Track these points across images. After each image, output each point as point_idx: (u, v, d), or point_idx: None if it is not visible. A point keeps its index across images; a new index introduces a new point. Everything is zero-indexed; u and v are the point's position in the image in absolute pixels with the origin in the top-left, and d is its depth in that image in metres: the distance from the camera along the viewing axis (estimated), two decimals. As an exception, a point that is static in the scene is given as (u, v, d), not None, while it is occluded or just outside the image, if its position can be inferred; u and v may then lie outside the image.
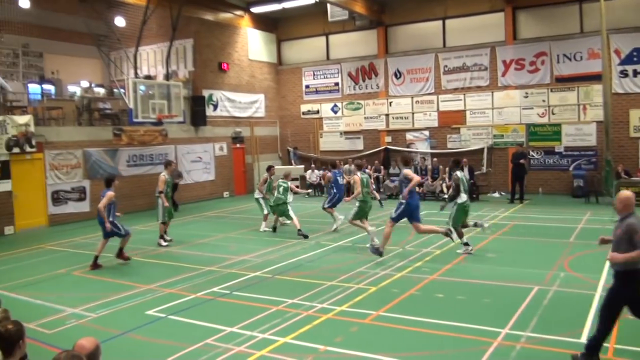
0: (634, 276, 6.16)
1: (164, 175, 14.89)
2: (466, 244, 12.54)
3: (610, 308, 6.32)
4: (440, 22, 25.05)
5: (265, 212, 16.57)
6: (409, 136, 25.78)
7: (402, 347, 7.23)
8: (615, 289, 6.32)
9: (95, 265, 12.52)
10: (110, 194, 12.63)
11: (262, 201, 16.72)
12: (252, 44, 27.78)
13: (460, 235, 12.62)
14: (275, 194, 15.93)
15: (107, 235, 12.74)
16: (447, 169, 22.58)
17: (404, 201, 12.23)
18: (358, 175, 14.18)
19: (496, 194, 23.00)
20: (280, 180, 16.14)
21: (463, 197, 12.64)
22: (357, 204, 14.00)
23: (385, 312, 8.57)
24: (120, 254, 12.95)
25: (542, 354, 6.86)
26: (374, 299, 9.29)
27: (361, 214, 13.97)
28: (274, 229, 16.27)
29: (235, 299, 9.59)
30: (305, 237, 14.92)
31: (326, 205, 16.40)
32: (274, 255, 13.08)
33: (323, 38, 28.26)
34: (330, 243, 14.19)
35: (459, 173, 12.90)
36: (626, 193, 6.49)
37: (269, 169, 17.06)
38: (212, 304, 9.40)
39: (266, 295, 9.66)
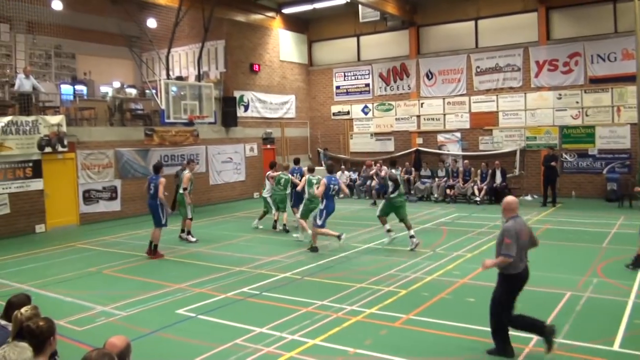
0: (507, 279, 6.95)
1: (188, 173, 15.27)
2: (389, 231, 14.09)
3: (500, 305, 7.03)
4: (473, 22, 24.84)
5: (274, 211, 16.90)
6: (440, 138, 25.61)
7: (432, 351, 7.20)
8: (495, 289, 7.17)
9: (156, 254, 13.43)
10: (163, 180, 13.56)
11: (269, 200, 17.00)
12: (283, 45, 27.89)
13: (384, 223, 14.13)
14: (273, 186, 16.30)
15: (160, 224, 13.64)
16: (478, 171, 22.45)
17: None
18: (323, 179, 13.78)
19: (528, 197, 22.70)
20: (281, 172, 16.50)
21: (394, 193, 13.80)
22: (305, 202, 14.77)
23: (415, 315, 8.54)
24: (153, 249, 13.61)
25: (573, 360, 6.78)
26: (404, 302, 9.26)
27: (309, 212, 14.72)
28: (285, 228, 16.50)
29: (265, 300, 9.64)
30: (287, 231, 15.99)
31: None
32: (304, 256, 13.11)
33: (354, 39, 28.24)
34: (360, 245, 14.17)
35: (394, 171, 14.68)
36: (509, 197, 7.13)
37: (273, 166, 17.34)
38: (241, 304, 9.46)
39: (296, 297, 9.69)
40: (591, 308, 8.71)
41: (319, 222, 13.53)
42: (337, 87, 28.71)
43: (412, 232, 13.54)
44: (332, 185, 13.46)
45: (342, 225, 16.86)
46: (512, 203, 7.00)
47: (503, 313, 6.97)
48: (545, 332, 6.81)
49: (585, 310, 8.62)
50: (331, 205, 13.62)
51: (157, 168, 14.15)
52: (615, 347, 7.13)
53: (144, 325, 8.43)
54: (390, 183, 13.78)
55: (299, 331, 7.95)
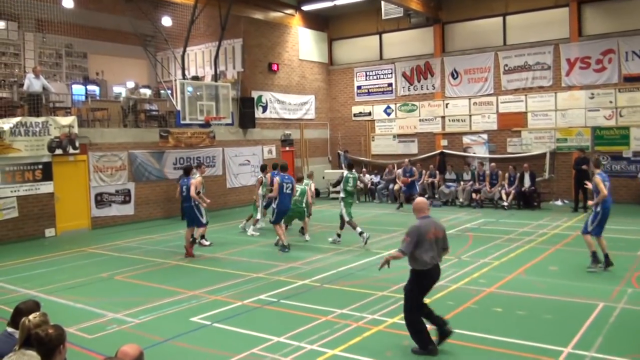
0: (414, 274, 7.53)
1: (199, 176, 15.26)
2: (361, 233, 14.88)
3: (411, 300, 7.54)
4: (501, 18, 24.70)
5: (258, 216, 17.30)
6: (466, 139, 25.48)
7: (457, 363, 7.14)
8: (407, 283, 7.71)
9: (191, 253, 14.12)
10: (194, 181, 14.34)
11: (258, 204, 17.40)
12: (303, 44, 27.96)
13: (354, 227, 15.09)
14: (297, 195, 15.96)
15: (201, 224, 14.44)
16: (506, 174, 22.26)
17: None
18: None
19: (559, 202, 22.48)
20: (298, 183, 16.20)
21: (342, 194, 15.38)
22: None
23: (439, 325, 8.47)
24: (192, 244, 14.31)
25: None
26: (427, 311, 9.18)
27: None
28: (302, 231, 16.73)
29: (283, 308, 9.64)
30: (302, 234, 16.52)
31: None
32: (323, 262, 13.10)
33: (376, 37, 28.22)
34: (382, 251, 14.10)
35: (347, 172, 15.69)
36: (419, 199, 7.85)
37: (263, 169, 17.55)
38: (258, 312, 9.47)
39: (315, 305, 9.69)
40: (626, 320, 8.57)
41: (272, 219, 15.00)
42: (359, 87, 28.71)
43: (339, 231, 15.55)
44: (284, 184, 14.80)
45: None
46: (420, 203, 7.64)
47: (409, 307, 7.51)
48: (444, 332, 7.49)
49: (619, 322, 8.48)
50: (283, 203, 14.75)
51: (187, 170, 15.03)
52: (652, 362, 7.04)
53: (157, 333, 8.47)
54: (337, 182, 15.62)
55: (318, 341, 7.93)
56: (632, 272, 11.43)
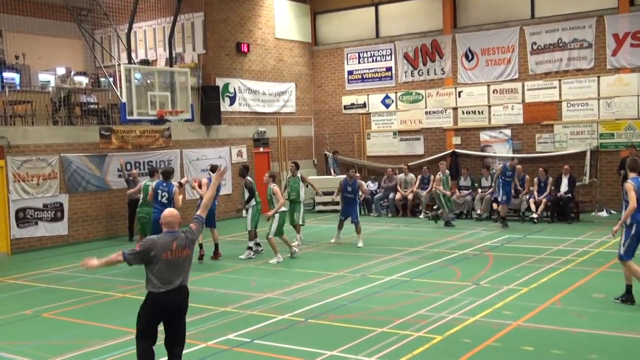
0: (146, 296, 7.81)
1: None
2: (252, 247, 17.10)
3: (138, 323, 7.88)
4: (527, -16, 24.91)
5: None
6: (484, 136, 25.58)
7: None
8: None
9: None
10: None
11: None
12: (280, 18, 27.99)
13: (252, 238, 17.09)
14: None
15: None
16: (535, 179, 22.26)
17: None
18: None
19: (604, 213, 22.47)
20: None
21: (253, 202, 17.09)
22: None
23: (454, 369, 8.42)
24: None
25: None
26: (439, 351, 9.14)
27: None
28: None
29: (257, 350, 9.52)
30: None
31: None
32: (308, 292, 13.01)
33: (371, 9, 28.35)
34: (382, 277, 14.06)
35: (249, 178, 17.22)
36: (165, 211, 8.28)
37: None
38: (226, 356, 9.38)
39: (297, 346, 9.59)
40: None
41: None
42: (350, 72, 28.78)
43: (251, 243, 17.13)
44: (159, 191, 15.85)
45: (355, 252, 16.79)
46: (166, 217, 7.95)
47: (136, 331, 7.83)
48: None
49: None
50: (157, 212, 14.87)
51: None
52: None
53: (96, 385, 8.33)
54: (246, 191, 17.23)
55: (301, 392, 7.84)
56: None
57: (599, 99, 23.45)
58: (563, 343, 9.29)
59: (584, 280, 13.11)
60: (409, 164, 25.59)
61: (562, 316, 10.62)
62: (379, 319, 10.76)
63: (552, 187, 21.95)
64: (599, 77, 23.43)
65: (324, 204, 25.61)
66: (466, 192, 23.68)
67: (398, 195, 24.17)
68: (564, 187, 21.83)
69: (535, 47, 24.52)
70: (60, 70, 22.64)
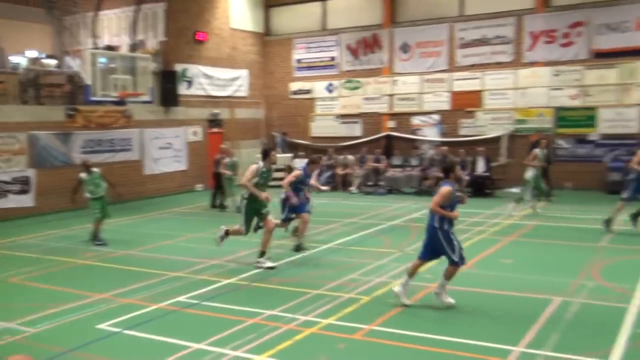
0: None
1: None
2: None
3: None
4: (457, -16, 25.07)
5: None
6: (416, 121, 25.79)
7: (397, 367, 7.21)
8: None
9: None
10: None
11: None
12: (235, 10, 27.71)
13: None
14: None
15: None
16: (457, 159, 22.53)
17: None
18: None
19: (516, 189, 22.77)
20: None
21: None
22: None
23: (378, 326, 8.56)
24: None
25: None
26: (366, 310, 9.29)
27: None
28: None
29: (205, 310, 9.56)
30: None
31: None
32: (253, 258, 12.97)
33: (319, 4, 28.23)
34: (320, 245, 14.14)
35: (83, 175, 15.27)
36: None
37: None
38: (176, 316, 9.36)
39: (241, 306, 9.62)
40: (584, 315, 8.86)
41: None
42: (298, 61, 28.69)
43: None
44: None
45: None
46: None
47: None
48: None
49: (577, 318, 8.75)
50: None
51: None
52: (612, 359, 7.26)
53: (57, 344, 8.25)
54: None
55: (243, 346, 7.88)
56: (594, 263, 11.78)
57: (515, 90, 23.81)
58: (473, 302, 9.52)
59: (495, 247, 13.40)
60: (347, 143, 25.83)
61: (474, 279, 10.81)
62: (314, 282, 10.87)
63: (471, 167, 22.38)
64: (516, 70, 23.78)
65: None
66: (398, 169, 23.96)
67: (339, 172, 24.36)
68: (480, 167, 22.28)
69: (462, 41, 24.72)
70: (31, 54, 22.20)
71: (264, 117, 29.42)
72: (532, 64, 23.55)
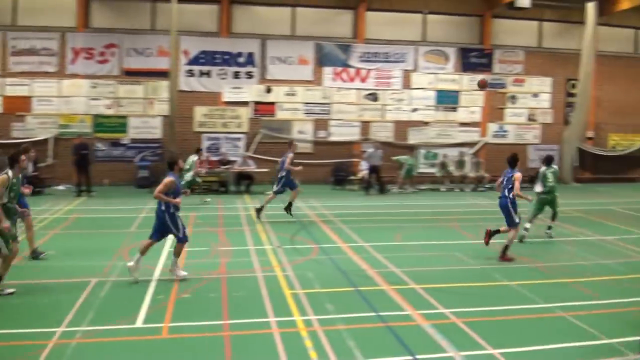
0: None
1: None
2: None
3: None
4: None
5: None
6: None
7: None
8: None
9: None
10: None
11: None
12: None
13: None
14: None
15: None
16: None
17: None
18: None
19: (62, 187, 22.19)
20: None
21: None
22: None
23: None
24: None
25: (98, 345, 7.14)
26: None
27: None
28: None
29: None
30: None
31: None
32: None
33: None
34: None
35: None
36: None
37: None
38: None
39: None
40: (116, 291, 9.22)
41: None
42: None
43: None
44: None
45: None
46: None
47: None
48: None
49: (109, 294, 9.06)
50: None
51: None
52: (138, 323, 7.77)
53: None
54: None
55: None
56: (125, 246, 12.24)
57: (60, 97, 23.25)
58: (24, 294, 9.03)
59: (40, 241, 12.12)
60: None
61: (16, 271, 10.21)
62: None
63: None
64: (61, 80, 23.22)
65: None
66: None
67: None
68: (29, 167, 21.05)
69: (15, 49, 22.97)
70: None
71: None
72: (74, 75, 23.25)
